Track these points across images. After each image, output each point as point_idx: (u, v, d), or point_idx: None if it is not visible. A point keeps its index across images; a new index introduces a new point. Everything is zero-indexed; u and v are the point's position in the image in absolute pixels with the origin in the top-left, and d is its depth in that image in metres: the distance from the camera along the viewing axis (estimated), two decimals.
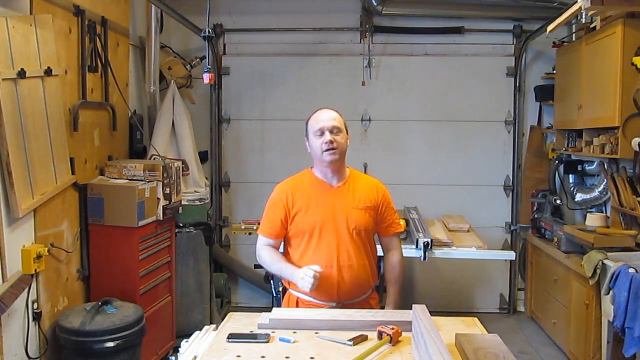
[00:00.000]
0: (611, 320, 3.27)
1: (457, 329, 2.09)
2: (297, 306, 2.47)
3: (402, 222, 3.82)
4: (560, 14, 4.40)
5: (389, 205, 2.53)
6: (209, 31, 2.54)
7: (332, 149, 2.35)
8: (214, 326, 2.19)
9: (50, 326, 3.09)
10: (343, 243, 2.39)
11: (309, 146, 2.48)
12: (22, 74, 2.76)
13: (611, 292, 3.23)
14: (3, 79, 2.63)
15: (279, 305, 2.72)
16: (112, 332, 2.99)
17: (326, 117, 2.40)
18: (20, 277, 2.74)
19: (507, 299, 5.33)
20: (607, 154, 3.80)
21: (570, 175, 4.83)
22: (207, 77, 2.53)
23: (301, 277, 2.26)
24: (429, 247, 3.62)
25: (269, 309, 5.39)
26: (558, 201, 4.75)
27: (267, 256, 2.48)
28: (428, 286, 5.26)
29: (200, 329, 4.25)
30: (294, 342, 1.97)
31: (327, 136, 2.35)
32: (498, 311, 5.31)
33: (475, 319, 2.29)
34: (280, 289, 2.59)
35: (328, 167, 2.42)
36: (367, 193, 2.47)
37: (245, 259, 5.37)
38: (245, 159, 5.38)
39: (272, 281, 3.98)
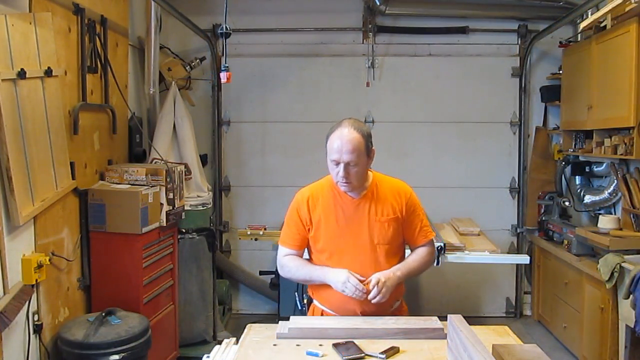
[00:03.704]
0: (632, 325, 3.19)
1: (489, 339, 2.01)
2: None
3: None
4: (569, 14, 4.37)
5: (414, 212, 2.34)
6: (226, 27, 2.42)
7: (346, 183, 2.20)
8: (234, 340, 2.07)
9: (51, 338, 2.95)
10: (366, 259, 2.26)
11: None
12: (22, 74, 2.63)
13: (631, 296, 3.15)
14: (3, 80, 2.50)
15: None
16: (117, 344, 2.85)
17: (342, 149, 2.15)
18: (22, 288, 2.61)
19: (514, 303, 5.26)
20: (621, 154, 3.73)
21: (577, 177, 4.78)
22: (224, 76, 2.41)
23: (342, 282, 2.16)
24: (443, 251, 3.54)
25: (271, 316, 5.26)
26: (567, 203, 4.69)
27: (290, 264, 2.35)
28: (433, 290, 5.17)
29: (204, 338, 4.17)
30: (322, 355, 1.86)
31: (341, 171, 2.17)
32: (505, 315, 5.25)
33: (506, 327, 2.20)
34: (305, 300, 2.45)
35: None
36: (391, 203, 2.30)
37: (246, 265, 5.26)
38: (245, 162, 5.26)
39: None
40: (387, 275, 2.19)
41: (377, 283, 2.15)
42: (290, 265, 2.35)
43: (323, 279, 2.25)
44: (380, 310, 2.26)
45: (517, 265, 5.18)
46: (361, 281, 2.18)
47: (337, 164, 2.18)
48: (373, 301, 2.15)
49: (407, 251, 2.44)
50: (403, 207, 2.30)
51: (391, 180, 2.38)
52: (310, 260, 2.39)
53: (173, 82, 4.39)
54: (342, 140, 2.16)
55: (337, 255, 2.27)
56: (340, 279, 2.17)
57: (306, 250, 2.42)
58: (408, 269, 2.30)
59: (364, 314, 2.25)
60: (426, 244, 2.38)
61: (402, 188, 2.36)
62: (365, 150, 2.20)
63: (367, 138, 2.21)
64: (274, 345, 1.97)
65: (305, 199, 2.33)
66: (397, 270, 2.25)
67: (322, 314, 2.36)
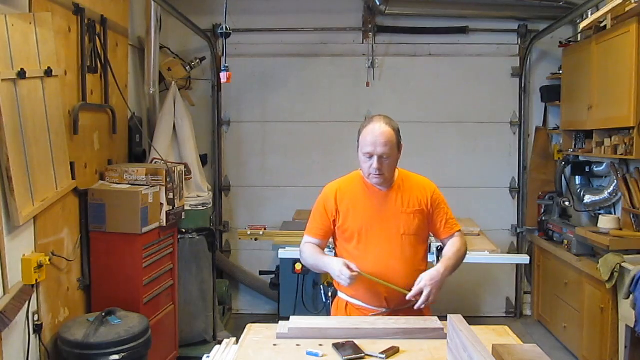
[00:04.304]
0: (631, 325, 3.19)
1: (489, 339, 2.01)
2: (346, 311, 2.40)
3: None
4: (569, 14, 4.37)
5: (439, 206, 2.42)
6: (226, 27, 2.42)
7: (379, 175, 2.28)
8: (234, 340, 2.07)
9: (51, 338, 2.95)
10: (393, 249, 2.33)
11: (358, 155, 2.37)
12: (22, 74, 2.63)
13: (631, 296, 3.15)
14: (3, 80, 2.50)
15: (329, 312, 2.69)
16: (117, 344, 2.85)
17: (377, 141, 2.25)
18: (22, 288, 2.61)
19: (514, 303, 5.26)
20: (621, 154, 3.73)
21: (577, 177, 4.78)
22: (224, 76, 2.41)
23: (337, 275, 2.22)
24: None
25: (271, 316, 5.24)
26: (567, 203, 4.69)
27: (306, 252, 2.43)
28: None
29: (204, 338, 4.16)
30: (322, 355, 1.86)
31: (375, 163, 2.26)
32: (505, 315, 5.25)
33: (506, 327, 2.20)
34: (330, 293, 2.50)
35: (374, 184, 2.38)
36: (417, 196, 2.38)
37: (246, 265, 5.26)
38: (245, 162, 5.26)
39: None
40: (435, 280, 2.21)
41: (421, 292, 2.19)
42: (305, 252, 2.43)
43: (324, 267, 2.33)
44: (405, 301, 2.27)
45: (517, 265, 5.18)
46: (404, 285, 2.24)
47: (371, 156, 2.26)
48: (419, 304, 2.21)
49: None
50: (428, 200, 2.39)
51: (416, 175, 2.49)
52: (335, 249, 2.46)
53: (173, 82, 4.39)
54: (375, 134, 2.25)
55: (363, 245, 2.34)
56: (335, 270, 2.22)
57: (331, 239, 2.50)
58: (453, 265, 2.33)
59: (390, 302, 2.30)
60: (455, 234, 2.45)
61: (427, 183, 2.47)
62: (397, 143, 2.31)
63: (397, 133, 2.33)
64: (274, 345, 1.97)
65: (333, 191, 2.42)
66: (445, 271, 2.26)
67: (346, 306, 2.40)
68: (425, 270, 2.36)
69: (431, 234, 2.48)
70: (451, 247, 2.41)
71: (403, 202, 2.35)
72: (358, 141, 2.33)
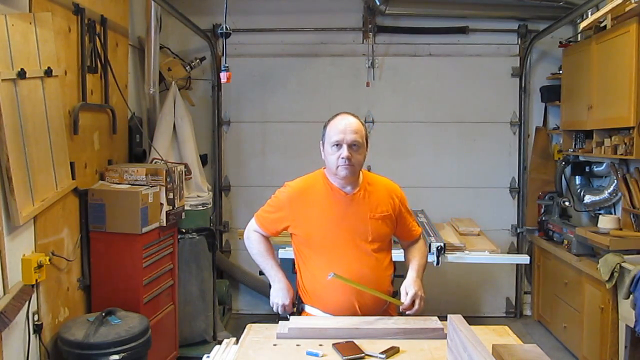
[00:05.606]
0: (631, 325, 3.19)
1: (489, 339, 2.01)
2: None
3: None
4: (569, 14, 4.37)
5: (406, 209, 2.39)
6: (226, 27, 2.42)
7: (349, 165, 2.17)
8: (234, 340, 2.07)
9: (51, 338, 2.95)
10: (362, 255, 2.25)
11: (323, 152, 2.28)
12: (22, 74, 2.63)
13: (631, 296, 3.15)
14: (3, 80, 2.50)
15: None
16: (117, 344, 2.85)
17: (347, 129, 2.18)
18: (22, 288, 2.61)
19: (514, 303, 5.26)
20: (621, 154, 3.73)
21: (577, 177, 4.78)
22: (224, 76, 2.41)
23: (272, 301, 2.34)
24: (442, 251, 3.54)
25: (271, 316, 5.26)
26: (567, 203, 4.69)
27: (255, 244, 2.41)
28: (432, 290, 5.10)
29: (204, 338, 4.16)
30: (322, 355, 1.86)
31: (345, 151, 2.16)
32: (505, 315, 5.25)
33: (506, 327, 2.20)
34: (295, 308, 2.44)
35: (342, 179, 2.26)
36: (385, 200, 2.31)
37: (246, 265, 5.25)
38: (245, 162, 5.26)
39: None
40: (420, 286, 2.25)
41: (416, 299, 2.21)
42: (254, 244, 2.41)
43: (268, 277, 2.37)
44: (377, 309, 2.27)
45: (517, 265, 5.18)
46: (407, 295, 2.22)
47: (340, 145, 2.17)
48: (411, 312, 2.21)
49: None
50: (397, 205, 2.34)
51: (382, 178, 2.41)
52: (298, 253, 2.35)
53: (173, 82, 4.39)
54: (344, 123, 2.20)
55: (330, 253, 2.25)
56: (277, 300, 2.32)
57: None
58: (423, 269, 2.38)
59: (364, 310, 2.24)
60: (420, 237, 2.48)
61: (394, 187, 2.40)
62: (365, 136, 2.25)
63: (365, 128, 2.28)
64: (274, 345, 1.97)
65: (296, 194, 2.31)
66: (420, 280, 2.29)
67: None
68: (391, 276, 2.37)
69: (395, 237, 2.46)
70: (417, 251, 2.42)
71: (371, 207, 2.26)
72: (323, 138, 2.25)
